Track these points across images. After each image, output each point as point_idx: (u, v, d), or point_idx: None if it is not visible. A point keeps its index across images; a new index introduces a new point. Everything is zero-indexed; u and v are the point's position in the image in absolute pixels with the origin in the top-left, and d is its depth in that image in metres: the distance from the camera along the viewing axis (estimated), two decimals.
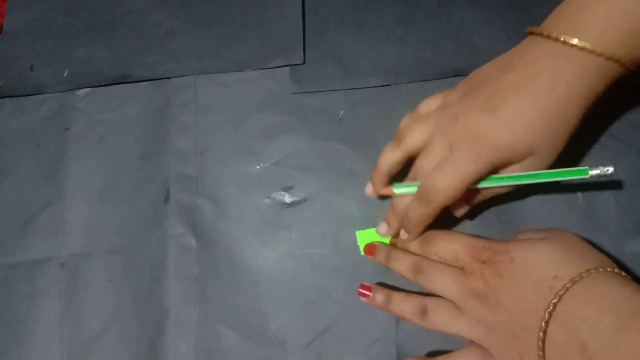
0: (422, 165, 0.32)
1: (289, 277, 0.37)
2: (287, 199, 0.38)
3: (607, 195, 0.35)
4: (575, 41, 0.27)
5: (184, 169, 0.40)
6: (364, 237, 0.36)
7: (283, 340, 0.35)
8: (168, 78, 0.42)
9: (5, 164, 0.41)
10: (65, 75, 0.43)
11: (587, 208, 0.35)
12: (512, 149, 0.29)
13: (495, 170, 0.30)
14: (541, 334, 0.26)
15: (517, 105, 0.28)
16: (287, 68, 0.41)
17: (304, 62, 0.41)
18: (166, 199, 0.39)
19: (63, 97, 0.42)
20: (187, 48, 0.42)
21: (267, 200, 0.38)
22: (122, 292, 0.38)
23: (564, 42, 0.28)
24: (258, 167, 0.39)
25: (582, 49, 0.27)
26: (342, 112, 0.39)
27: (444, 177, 0.29)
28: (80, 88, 0.42)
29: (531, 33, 0.30)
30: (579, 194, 0.35)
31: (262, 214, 0.38)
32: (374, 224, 0.36)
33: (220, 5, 0.43)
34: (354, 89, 0.40)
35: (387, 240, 0.36)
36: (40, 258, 0.39)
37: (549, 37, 0.28)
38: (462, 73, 0.39)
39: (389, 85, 0.39)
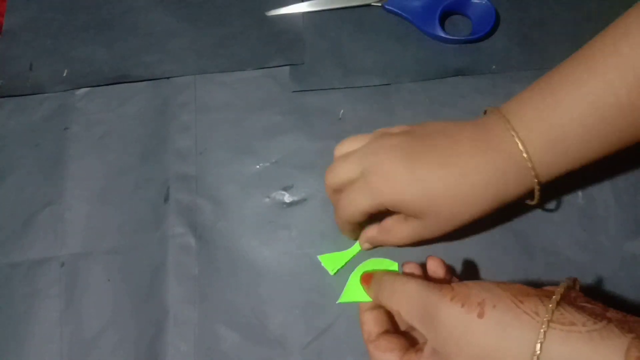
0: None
1: (288, 277, 0.37)
2: (287, 198, 0.38)
3: (607, 195, 0.35)
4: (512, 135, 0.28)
5: (184, 169, 0.39)
6: (328, 260, 0.36)
7: (283, 340, 0.35)
8: (168, 78, 0.42)
9: (4, 164, 0.41)
10: (64, 74, 0.43)
11: (587, 208, 0.35)
12: (404, 204, 0.29)
13: (389, 210, 0.31)
14: None
15: (433, 174, 0.29)
16: (287, 67, 0.41)
17: (304, 62, 0.40)
18: (166, 199, 0.39)
19: (62, 97, 0.42)
20: (186, 48, 0.42)
21: (266, 199, 0.38)
22: (122, 292, 0.38)
23: (505, 132, 0.28)
24: (258, 166, 0.39)
25: (513, 144, 0.28)
26: (342, 111, 0.39)
27: (344, 200, 0.31)
28: (79, 88, 0.42)
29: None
30: (579, 194, 0.35)
31: (262, 214, 0.38)
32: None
33: (220, 5, 0.43)
34: (354, 87, 0.39)
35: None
36: (40, 258, 0.39)
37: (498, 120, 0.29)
38: (462, 72, 0.39)
39: (389, 84, 0.39)
